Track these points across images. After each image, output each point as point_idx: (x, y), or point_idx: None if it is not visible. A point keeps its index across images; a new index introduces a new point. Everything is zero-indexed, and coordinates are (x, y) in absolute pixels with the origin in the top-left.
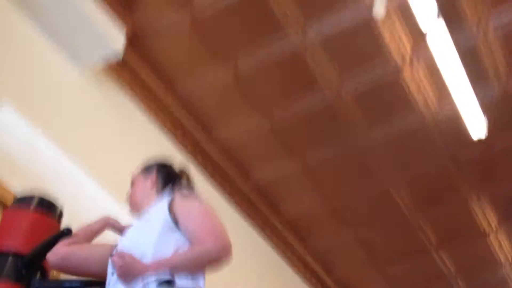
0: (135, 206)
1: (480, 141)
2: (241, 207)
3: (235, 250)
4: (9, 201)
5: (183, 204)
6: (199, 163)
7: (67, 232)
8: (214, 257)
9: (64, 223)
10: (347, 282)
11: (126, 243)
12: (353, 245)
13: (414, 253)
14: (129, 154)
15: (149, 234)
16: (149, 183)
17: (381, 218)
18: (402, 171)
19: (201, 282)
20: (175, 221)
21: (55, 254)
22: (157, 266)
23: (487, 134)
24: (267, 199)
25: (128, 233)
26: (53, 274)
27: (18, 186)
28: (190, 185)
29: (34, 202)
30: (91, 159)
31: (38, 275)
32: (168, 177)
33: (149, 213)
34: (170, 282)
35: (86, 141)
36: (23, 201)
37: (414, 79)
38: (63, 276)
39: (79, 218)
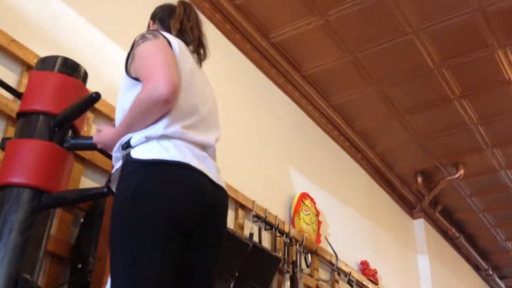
0: None
1: None
2: (262, 65)
3: (258, 107)
4: (34, 63)
5: (134, 54)
6: (217, 22)
7: (96, 96)
8: (150, 100)
9: (89, 85)
10: (369, 133)
11: None
12: (374, 98)
13: (436, 103)
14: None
15: (119, 97)
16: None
17: (404, 69)
18: (428, 22)
19: (159, 128)
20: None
21: None
22: (118, 130)
23: None
24: (287, 56)
25: None
26: (84, 131)
27: (41, 50)
28: (185, 14)
29: (58, 63)
30: (112, 22)
31: (70, 134)
32: (163, 17)
33: None
34: (128, 142)
35: (105, 5)
36: (47, 62)
37: None
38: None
39: (103, 81)
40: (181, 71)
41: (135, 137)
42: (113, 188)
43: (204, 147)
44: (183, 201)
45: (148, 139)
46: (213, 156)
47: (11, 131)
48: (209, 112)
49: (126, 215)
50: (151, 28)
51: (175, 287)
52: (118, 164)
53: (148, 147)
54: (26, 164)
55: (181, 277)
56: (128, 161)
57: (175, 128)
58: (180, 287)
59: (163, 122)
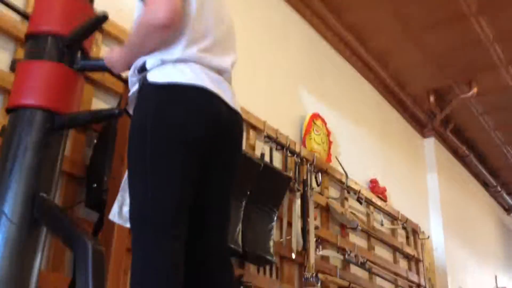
0: None
1: None
2: None
3: (269, 26)
4: None
5: None
6: None
7: (104, 17)
8: (148, 25)
9: (95, 5)
10: (382, 53)
11: None
12: (388, 17)
13: (452, 21)
14: None
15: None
16: None
17: None
18: None
19: (175, 51)
20: None
21: None
22: (121, 51)
23: None
24: None
25: None
26: (93, 52)
27: None
28: None
29: None
30: None
31: (79, 55)
32: None
33: None
34: (144, 66)
35: None
36: None
37: None
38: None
39: (109, 1)
40: None
41: (150, 60)
42: (130, 111)
43: (219, 71)
44: (200, 124)
45: (163, 62)
46: (228, 80)
47: (20, 53)
48: (225, 34)
49: (145, 139)
50: None
51: (194, 206)
52: (134, 88)
53: (164, 70)
54: (37, 85)
55: (200, 197)
56: (145, 84)
57: (191, 51)
58: (199, 206)
59: (179, 45)
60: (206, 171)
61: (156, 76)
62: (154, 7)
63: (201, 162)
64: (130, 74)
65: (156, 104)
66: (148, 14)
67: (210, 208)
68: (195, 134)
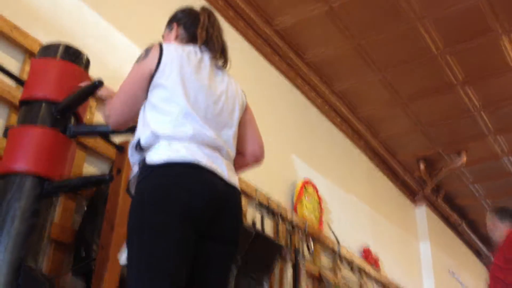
0: None
1: None
2: (264, 51)
3: (261, 94)
4: (36, 50)
5: None
6: (220, 9)
7: (99, 84)
8: (105, 118)
9: (91, 72)
10: (371, 120)
11: None
12: (377, 85)
13: (439, 89)
14: (155, 6)
15: None
16: (173, 34)
17: (407, 56)
18: (432, 8)
19: (168, 127)
20: None
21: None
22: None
23: None
24: (291, 42)
25: None
26: (87, 118)
27: (43, 37)
28: (210, 23)
29: (60, 50)
30: (115, 9)
31: (72, 121)
32: (187, 24)
33: None
34: (139, 144)
35: None
36: (49, 49)
37: None
38: (96, 122)
39: (105, 67)
40: (182, 75)
41: (144, 134)
42: (132, 191)
43: (214, 148)
44: (196, 200)
45: (157, 136)
46: (225, 156)
47: (14, 119)
48: (220, 112)
49: (143, 215)
50: (174, 31)
51: (191, 281)
52: (135, 169)
53: (159, 150)
54: (28, 151)
55: (196, 272)
56: (145, 166)
57: (185, 129)
58: (196, 281)
59: (172, 121)
60: (205, 246)
61: (153, 157)
62: (108, 112)
63: (197, 237)
64: (130, 154)
65: (154, 183)
66: (105, 112)
67: (210, 283)
68: (191, 210)
